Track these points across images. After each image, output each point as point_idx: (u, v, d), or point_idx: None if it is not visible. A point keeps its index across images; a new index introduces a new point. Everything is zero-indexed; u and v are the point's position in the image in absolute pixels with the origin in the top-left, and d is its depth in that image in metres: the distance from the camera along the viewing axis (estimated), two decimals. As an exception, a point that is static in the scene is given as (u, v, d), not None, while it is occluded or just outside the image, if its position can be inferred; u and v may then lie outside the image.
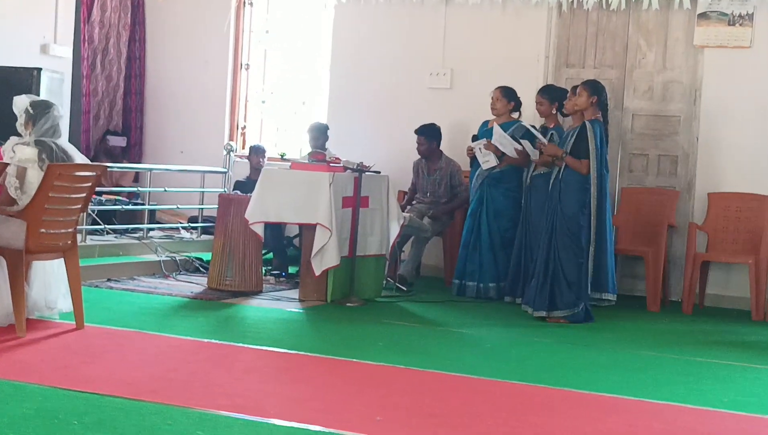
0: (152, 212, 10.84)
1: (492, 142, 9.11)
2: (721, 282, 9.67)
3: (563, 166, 8.24)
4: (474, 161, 9.42)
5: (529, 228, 8.89)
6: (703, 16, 9.67)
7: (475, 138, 9.44)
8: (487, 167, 9.25)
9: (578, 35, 10.29)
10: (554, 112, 9.05)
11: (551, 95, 9.09)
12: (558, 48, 10.35)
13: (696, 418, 5.43)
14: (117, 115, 12.30)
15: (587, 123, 8.16)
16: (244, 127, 12.18)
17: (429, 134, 9.81)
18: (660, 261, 9.32)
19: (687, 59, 9.88)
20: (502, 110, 9.36)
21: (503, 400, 5.57)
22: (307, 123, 10.69)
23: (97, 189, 6.75)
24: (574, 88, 8.51)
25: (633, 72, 10.08)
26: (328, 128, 10.34)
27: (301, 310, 8.12)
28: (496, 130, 9.10)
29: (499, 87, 9.43)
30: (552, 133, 8.84)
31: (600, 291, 8.26)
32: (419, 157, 9.97)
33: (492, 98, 9.40)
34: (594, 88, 8.28)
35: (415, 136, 9.87)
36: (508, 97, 9.37)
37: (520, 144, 8.87)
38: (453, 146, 10.07)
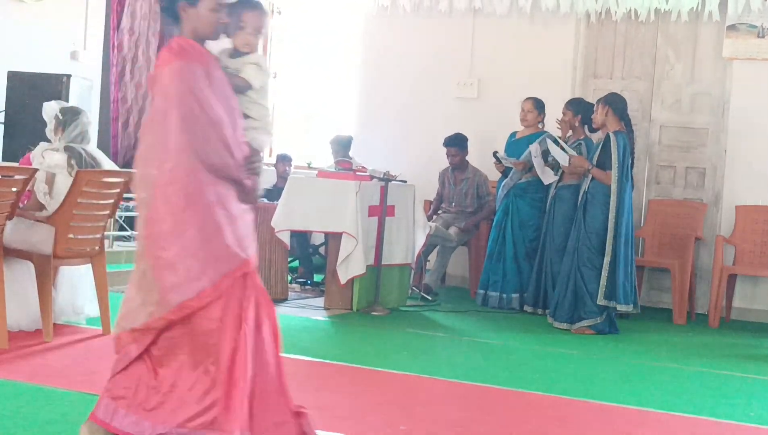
0: (179, 219, 10.86)
1: (531, 155, 9.05)
2: (748, 295, 9.62)
3: (590, 179, 8.25)
4: (506, 171, 9.40)
5: (551, 238, 8.87)
6: (732, 28, 9.63)
7: (495, 155, 9.41)
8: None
9: (606, 46, 10.27)
10: (577, 124, 9.01)
11: (575, 108, 9.06)
12: (586, 59, 10.33)
13: (722, 432, 5.40)
14: (145, 123, 12.36)
15: (611, 134, 8.16)
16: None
17: (461, 145, 9.82)
18: (686, 273, 9.28)
19: (715, 71, 9.84)
20: (533, 122, 9.38)
21: (528, 411, 5.55)
22: (335, 132, 10.72)
23: (125, 195, 6.77)
24: (599, 101, 8.50)
25: (661, 84, 10.05)
26: (351, 140, 10.36)
27: (326, 319, 8.13)
28: (536, 147, 9.04)
29: (531, 98, 9.41)
30: (581, 144, 8.83)
31: (613, 301, 8.16)
32: (447, 167, 9.97)
33: (523, 109, 9.39)
34: (606, 99, 8.29)
35: (443, 147, 9.87)
36: (539, 108, 9.38)
37: (550, 158, 8.84)
38: (480, 156, 10.06)
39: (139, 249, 3.95)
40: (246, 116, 4.17)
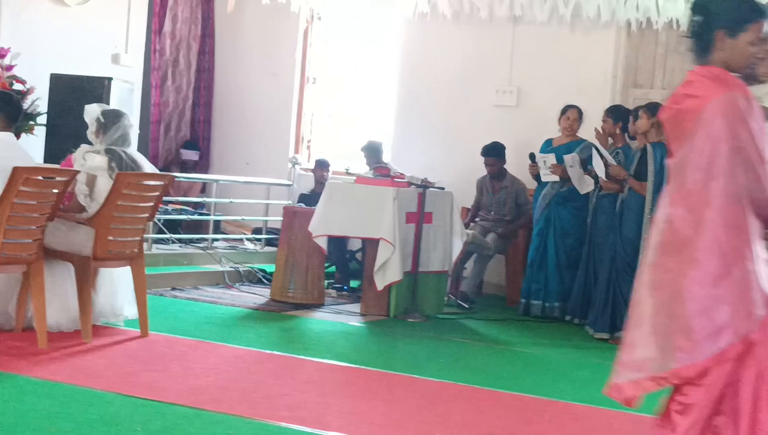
0: (217, 223, 10.94)
1: (567, 165, 9.03)
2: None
3: (627, 189, 8.21)
4: (538, 179, 9.37)
5: (593, 248, 8.82)
6: (775, 38, 9.53)
7: (532, 156, 9.39)
8: (546, 180, 9.21)
9: (647, 55, 10.22)
10: (618, 131, 8.98)
11: (615, 115, 9.03)
12: (626, 68, 10.28)
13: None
14: (185, 126, 12.44)
15: (648, 146, 8.12)
16: (310, 140, 12.25)
17: (499, 155, 9.81)
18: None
19: (757, 82, 9.75)
20: (577, 130, 9.34)
21: (564, 421, 5.53)
22: (373, 137, 10.72)
23: (164, 198, 6.81)
24: (636, 110, 8.44)
25: (702, 93, 9.96)
26: (381, 145, 10.39)
27: (362, 324, 8.13)
28: (573, 157, 9.02)
29: (575, 107, 9.34)
30: (618, 152, 8.79)
31: None
32: (485, 175, 9.95)
33: (569, 118, 9.32)
34: (654, 110, 8.24)
35: (481, 156, 9.85)
36: (581, 117, 9.35)
37: (590, 166, 8.81)
38: (518, 164, 10.01)
39: (660, 295, 3.69)
40: None
